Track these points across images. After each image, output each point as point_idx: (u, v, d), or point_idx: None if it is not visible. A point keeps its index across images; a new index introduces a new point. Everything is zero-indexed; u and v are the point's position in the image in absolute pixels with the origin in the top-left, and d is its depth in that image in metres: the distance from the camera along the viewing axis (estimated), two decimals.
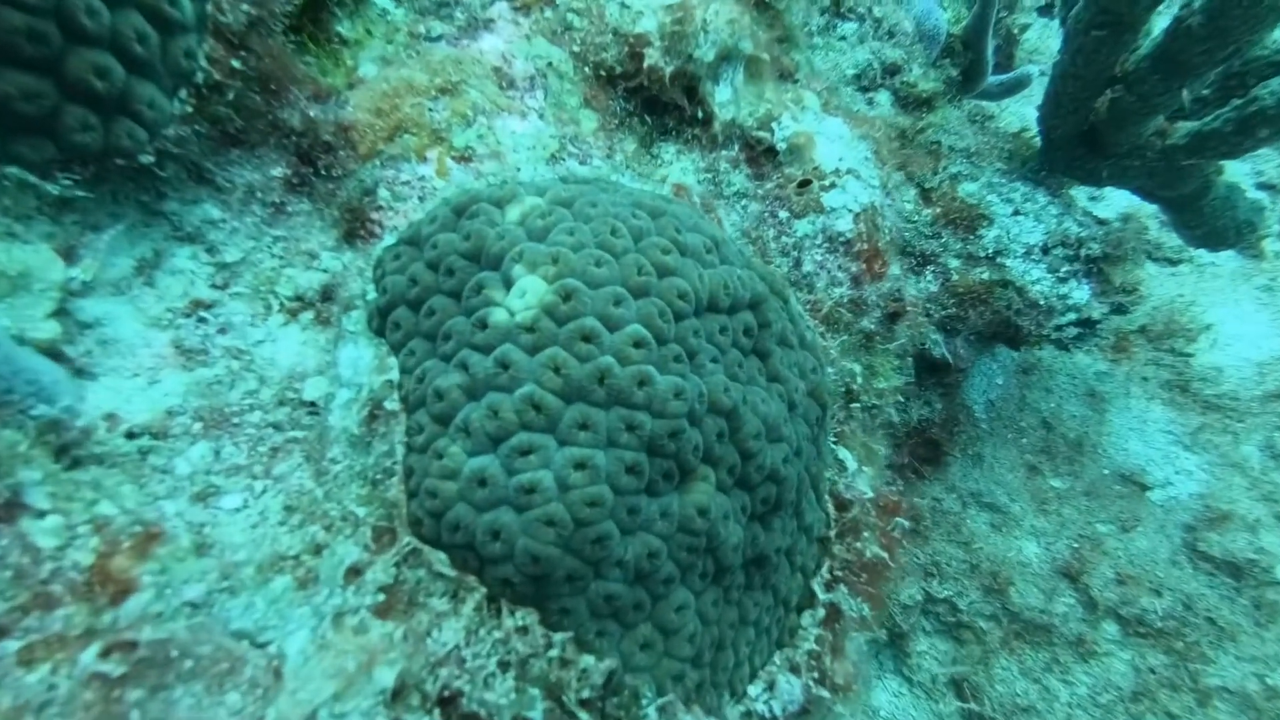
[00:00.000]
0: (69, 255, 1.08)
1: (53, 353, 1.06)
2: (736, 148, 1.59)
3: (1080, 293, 2.47)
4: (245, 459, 1.13)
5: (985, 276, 2.42)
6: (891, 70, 2.67)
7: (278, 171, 1.30)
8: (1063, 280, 2.45)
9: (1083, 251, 2.40)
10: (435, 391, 1.01)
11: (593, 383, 0.96)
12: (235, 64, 1.15)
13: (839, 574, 1.17)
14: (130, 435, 1.08)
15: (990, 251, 2.46)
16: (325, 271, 1.33)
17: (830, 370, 1.32)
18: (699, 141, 1.60)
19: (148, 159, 1.10)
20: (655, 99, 1.58)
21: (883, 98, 2.70)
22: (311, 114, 1.26)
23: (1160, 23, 1.98)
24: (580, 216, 1.08)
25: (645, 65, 1.50)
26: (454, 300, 1.07)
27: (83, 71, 0.96)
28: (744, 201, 1.55)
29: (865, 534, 1.24)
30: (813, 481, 1.18)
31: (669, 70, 1.50)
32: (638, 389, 0.96)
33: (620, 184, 1.25)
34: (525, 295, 1.01)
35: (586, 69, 1.52)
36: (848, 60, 2.69)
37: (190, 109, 1.14)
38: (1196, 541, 2.85)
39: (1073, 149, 2.47)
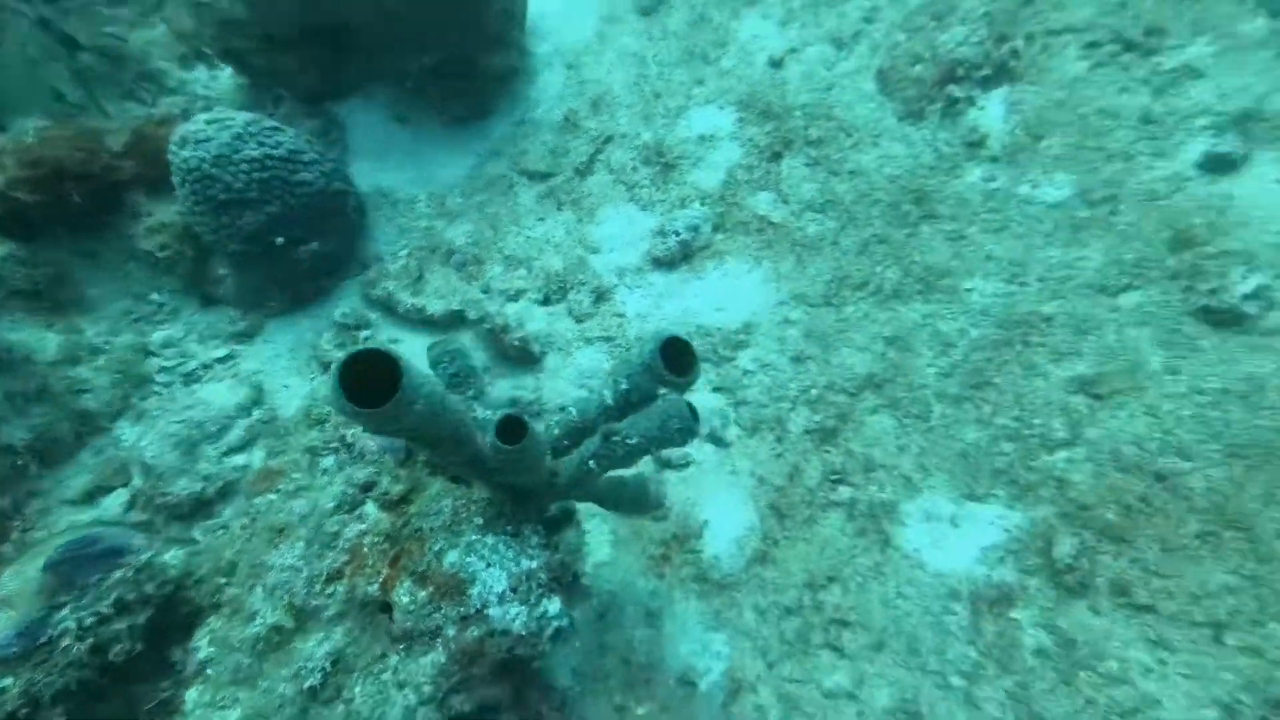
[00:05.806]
0: None
1: None
2: None
3: (552, 605, 3.21)
4: None
5: (476, 634, 3.03)
6: (367, 487, 3.35)
7: None
8: (535, 605, 3.17)
9: (535, 582, 3.18)
10: None
11: None
12: None
13: None
14: None
15: (477, 607, 3.09)
16: None
17: None
18: None
19: None
20: None
21: (370, 509, 3.34)
22: None
23: None
24: None
25: None
26: None
27: None
28: None
29: None
30: None
31: None
32: None
33: None
34: None
35: None
36: (326, 495, 3.30)
37: None
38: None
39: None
